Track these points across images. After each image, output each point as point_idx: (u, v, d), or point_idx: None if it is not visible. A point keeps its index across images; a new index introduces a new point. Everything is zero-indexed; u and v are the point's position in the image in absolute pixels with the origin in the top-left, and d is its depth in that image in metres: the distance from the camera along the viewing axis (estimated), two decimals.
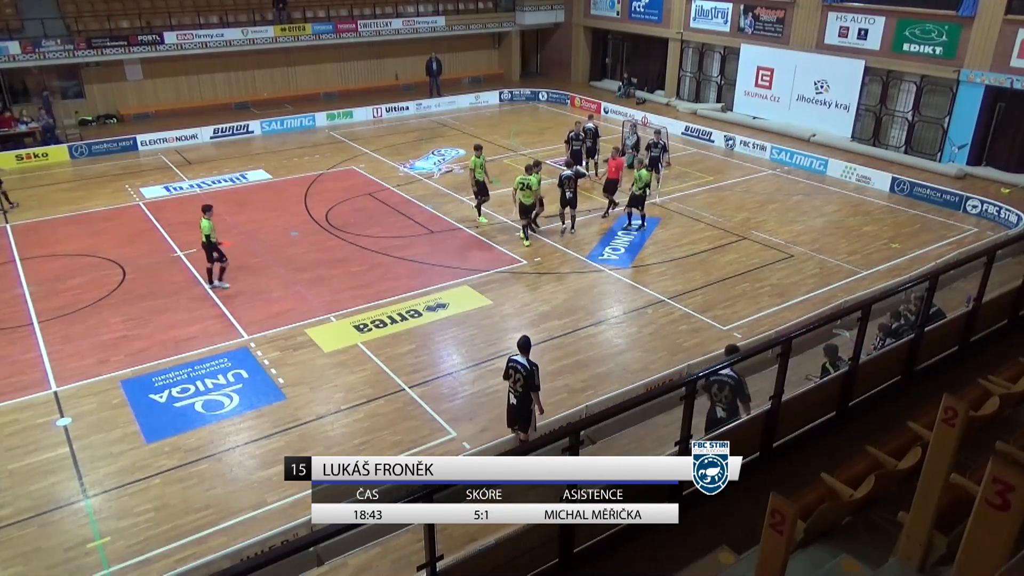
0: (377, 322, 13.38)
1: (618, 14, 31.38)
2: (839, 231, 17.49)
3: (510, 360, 9.28)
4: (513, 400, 9.30)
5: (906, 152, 22.62)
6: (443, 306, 13.90)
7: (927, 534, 4.13)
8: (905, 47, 22.16)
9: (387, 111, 28.75)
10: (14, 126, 23.78)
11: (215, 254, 14.37)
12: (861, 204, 19.45)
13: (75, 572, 8.19)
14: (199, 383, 11.59)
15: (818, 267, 15.50)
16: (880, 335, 9.35)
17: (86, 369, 11.95)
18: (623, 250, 16.41)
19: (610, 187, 18.09)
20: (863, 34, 23.18)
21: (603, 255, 16.16)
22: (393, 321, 13.42)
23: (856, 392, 7.35)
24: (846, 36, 23.63)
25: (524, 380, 9.12)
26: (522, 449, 5.28)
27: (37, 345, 12.68)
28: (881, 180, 20.49)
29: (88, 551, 8.43)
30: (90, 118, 26.20)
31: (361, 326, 13.26)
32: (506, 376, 9.39)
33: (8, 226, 17.89)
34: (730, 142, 24.47)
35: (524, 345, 9.30)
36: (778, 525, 3.63)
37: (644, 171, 16.96)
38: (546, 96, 31.53)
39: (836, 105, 24.12)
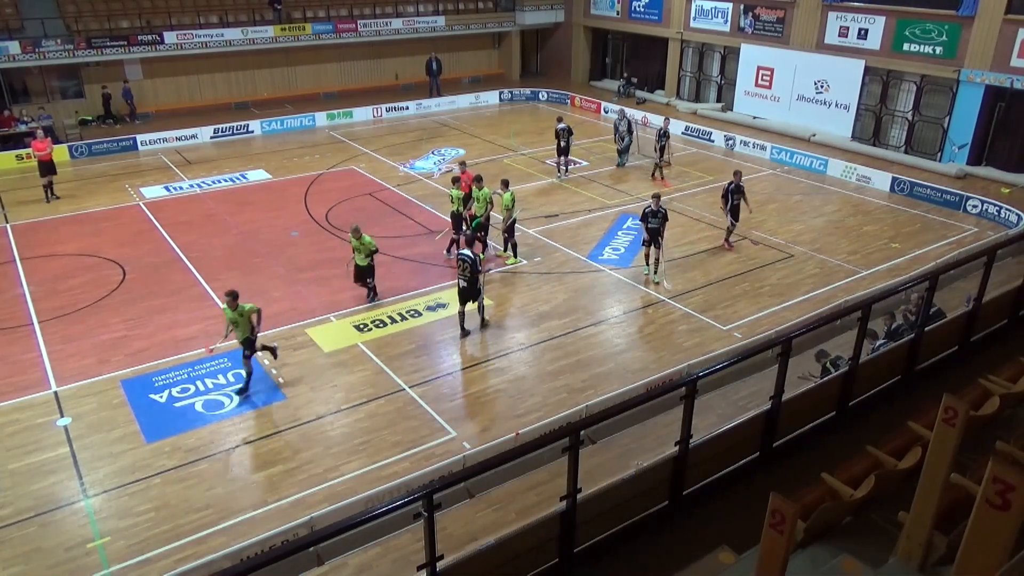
0: (377, 322, 13.38)
1: (618, 14, 31.38)
2: (839, 231, 17.49)
3: (459, 254, 12.65)
4: (464, 283, 12.46)
5: (906, 152, 22.61)
6: (443, 306, 13.89)
7: (927, 534, 4.13)
8: (905, 47, 22.16)
9: (387, 111, 28.77)
10: (14, 126, 23.77)
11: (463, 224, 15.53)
12: (861, 204, 19.45)
13: (75, 572, 8.19)
14: (199, 383, 11.60)
15: (818, 267, 15.50)
16: (872, 343, 9.00)
17: (86, 369, 11.96)
18: (623, 250, 16.41)
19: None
20: (863, 34, 23.18)
21: (603, 255, 16.16)
22: (393, 321, 13.43)
23: (856, 392, 7.34)
24: (846, 36, 23.63)
25: (471, 267, 12.33)
26: (520, 449, 5.27)
27: (37, 345, 12.69)
28: (881, 180, 20.49)
29: (88, 551, 8.44)
30: (90, 118, 26.20)
31: (361, 326, 13.26)
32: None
33: (8, 226, 17.89)
34: (730, 142, 24.46)
35: (470, 242, 12.83)
36: (778, 525, 3.62)
37: (456, 191, 15.33)
38: (546, 96, 31.53)
39: (836, 105, 24.12)
